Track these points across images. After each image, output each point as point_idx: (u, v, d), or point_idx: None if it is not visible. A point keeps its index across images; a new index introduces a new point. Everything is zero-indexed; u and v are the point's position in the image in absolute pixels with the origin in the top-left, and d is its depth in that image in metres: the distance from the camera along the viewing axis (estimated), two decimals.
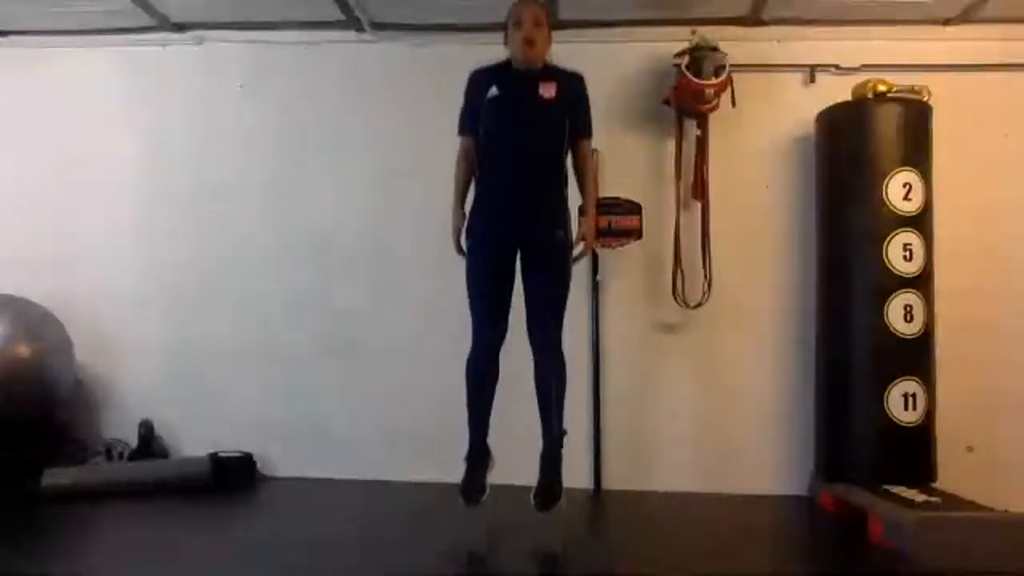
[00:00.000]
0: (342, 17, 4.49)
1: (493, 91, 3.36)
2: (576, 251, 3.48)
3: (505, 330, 3.41)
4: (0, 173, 4.78)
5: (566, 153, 3.44)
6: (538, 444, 3.42)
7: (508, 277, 3.39)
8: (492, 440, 3.52)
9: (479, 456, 3.46)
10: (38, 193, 4.74)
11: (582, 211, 3.72)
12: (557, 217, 3.39)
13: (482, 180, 3.44)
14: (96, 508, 3.95)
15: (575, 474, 4.17)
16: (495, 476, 3.50)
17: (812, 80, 4.47)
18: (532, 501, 3.32)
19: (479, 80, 3.42)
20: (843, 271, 4.05)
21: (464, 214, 3.46)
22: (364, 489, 4.36)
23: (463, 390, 3.47)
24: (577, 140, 3.45)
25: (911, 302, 3.89)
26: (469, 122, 3.44)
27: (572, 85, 3.41)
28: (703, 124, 4.37)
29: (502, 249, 3.37)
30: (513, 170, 3.35)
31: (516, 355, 3.42)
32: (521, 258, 3.39)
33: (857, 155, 4.01)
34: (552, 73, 3.41)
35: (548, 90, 3.34)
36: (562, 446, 3.41)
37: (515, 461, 3.54)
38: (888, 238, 3.91)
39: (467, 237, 3.43)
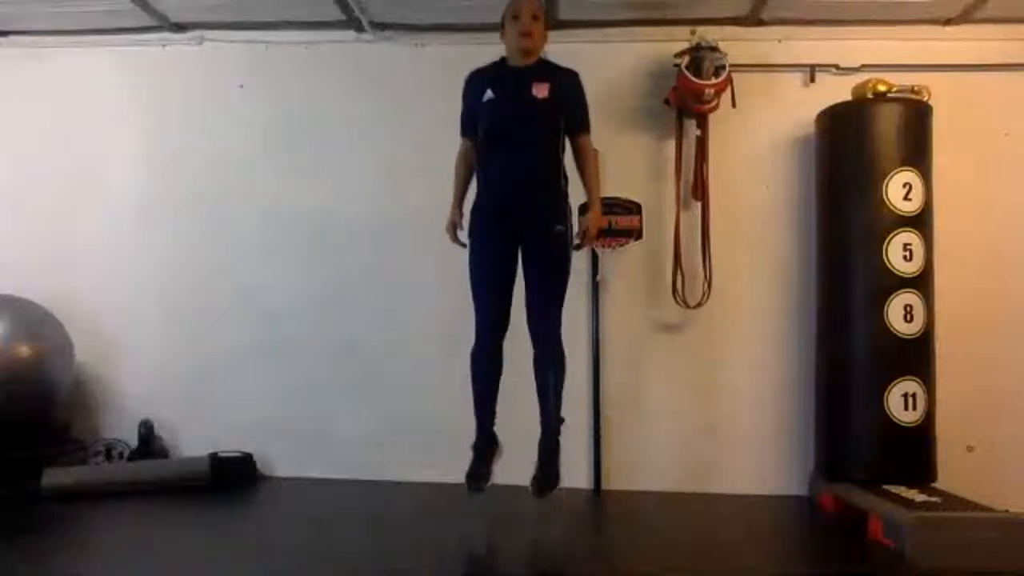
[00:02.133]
0: (342, 17, 4.49)
1: (488, 94, 3.44)
2: (575, 243, 3.53)
3: (507, 323, 3.47)
4: (0, 173, 4.78)
5: (563, 150, 3.49)
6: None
7: (509, 273, 3.45)
8: None
9: (485, 445, 3.53)
10: (38, 193, 4.74)
11: (582, 210, 3.72)
12: (555, 212, 3.45)
13: (482, 179, 3.51)
14: (96, 508, 3.95)
15: (575, 474, 4.19)
16: (496, 476, 3.52)
17: (812, 80, 4.46)
18: (530, 487, 3.39)
19: (474, 83, 3.52)
20: (843, 271, 4.05)
21: (461, 212, 3.56)
22: (364, 489, 4.35)
23: (464, 390, 3.54)
24: (574, 136, 3.50)
25: (911, 302, 3.89)
26: (468, 124, 3.53)
27: (565, 82, 3.46)
28: (703, 124, 4.37)
29: (502, 245, 3.43)
30: (510, 169, 3.41)
31: (517, 354, 3.45)
32: (522, 252, 3.44)
33: (857, 155, 4.00)
34: (545, 71, 3.46)
35: (541, 90, 3.39)
36: (560, 434, 3.47)
37: (515, 461, 3.56)
38: (888, 238, 3.91)
39: (469, 235, 3.50)
